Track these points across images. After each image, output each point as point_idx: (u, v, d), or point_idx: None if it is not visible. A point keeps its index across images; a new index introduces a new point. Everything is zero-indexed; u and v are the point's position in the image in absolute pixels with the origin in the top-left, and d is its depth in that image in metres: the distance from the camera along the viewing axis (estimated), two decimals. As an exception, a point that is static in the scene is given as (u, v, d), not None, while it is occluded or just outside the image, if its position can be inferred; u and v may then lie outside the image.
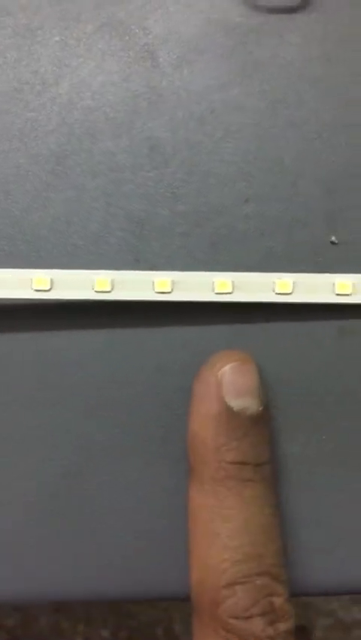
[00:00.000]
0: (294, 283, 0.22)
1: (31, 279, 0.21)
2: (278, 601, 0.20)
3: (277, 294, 0.22)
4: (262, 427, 0.21)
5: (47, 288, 0.21)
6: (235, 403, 0.21)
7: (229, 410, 0.20)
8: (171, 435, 0.22)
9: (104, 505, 0.22)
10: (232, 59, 0.23)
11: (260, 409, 0.21)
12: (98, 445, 0.23)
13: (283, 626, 0.20)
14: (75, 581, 0.22)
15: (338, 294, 0.22)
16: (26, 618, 1.13)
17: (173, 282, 0.22)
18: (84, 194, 0.23)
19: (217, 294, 0.22)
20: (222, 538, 0.20)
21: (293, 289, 0.22)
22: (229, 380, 0.21)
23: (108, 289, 0.21)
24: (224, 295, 0.22)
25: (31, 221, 0.23)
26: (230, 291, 0.22)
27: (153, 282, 0.22)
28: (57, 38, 0.23)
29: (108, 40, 0.23)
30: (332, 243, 0.23)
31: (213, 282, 0.22)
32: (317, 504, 0.23)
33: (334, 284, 0.22)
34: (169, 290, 0.22)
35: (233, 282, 0.22)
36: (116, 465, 0.23)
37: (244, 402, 0.21)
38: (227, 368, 0.21)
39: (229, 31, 0.23)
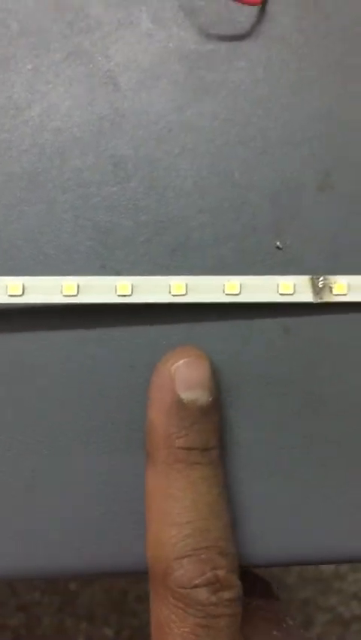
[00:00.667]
0: (241, 285, 0.24)
1: (6, 286, 0.24)
2: (222, 572, 0.22)
3: (226, 294, 0.24)
4: (211, 415, 0.23)
5: (20, 293, 0.24)
6: (186, 395, 0.23)
7: (179, 401, 0.23)
8: (134, 424, 0.25)
9: (76, 485, 0.25)
10: (186, 83, 0.26)
11: (210, 399, 0.23)
12: (69, 434, 0.25)
13: (226, 595, 0.22)
14: (43, 557, 0.25)
15: (281, 294, 0.24)
16: (30, 618, 1.13)
17: (133, 286, 0.24)
18: (55, 208, 0.25)
19: (173, 295, 0.24)
20: (172, 515, 0.22)
21: (241, 290, 0.24)
22: (181, 374, 0.23)
23: (75, 293, 0.24)
24: (179, 297, 0.24)
25: (6, 232, 0.25)
26: (184, 293, 0.24)
27: (116, 286, 0.24)
28: (29, 66, 0.26)
29: (75, 67, 0.26)
30: (277, 247, 0.25)
31: (169, 285, 0.24)
32: (266, 484, 0.25)
33: (278, 285, 0.24)
34: (129, 293, 0.24)
35: (187, 284, 0.24)
36: (84, 452, 0.25)
37: (194, 394, 0.23)
38: (180, 363, 0.23)
39: (183, 57, 0.26)
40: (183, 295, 0.24)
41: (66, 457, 0.25)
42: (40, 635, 1.13)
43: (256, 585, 0.28)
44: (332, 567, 1.20)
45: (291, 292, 0.24)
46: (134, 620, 1.18)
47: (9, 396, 0.25)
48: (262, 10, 0.26)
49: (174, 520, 0.22)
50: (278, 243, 0.25)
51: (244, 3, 0.25)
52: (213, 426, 0.23)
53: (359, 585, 1.17)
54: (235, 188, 0.25)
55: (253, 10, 0.26)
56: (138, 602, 1.20)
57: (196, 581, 0.21)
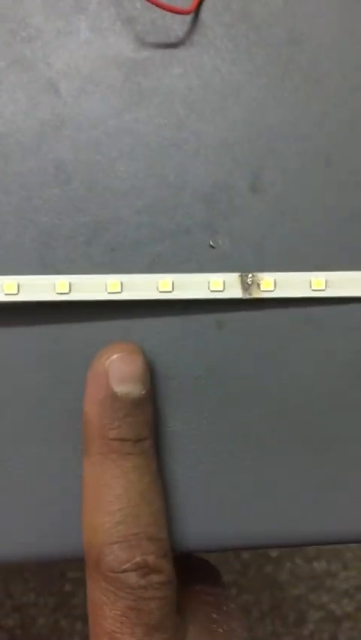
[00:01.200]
0: (173, 282, 0.25)
1: None
2: (151, 557, 0.23)
3: (160, 292, 0.25)
4: (143, 408, 0.24)
5: None
6: (119, 389, 0.24)
7: (113, 394, 0.24)
8: (73, 417, 0.26)
9: (20, 476, 0.26)
10: (123, 89, 0.27)
11: (142, 392, 0.24)
12: (15, 429, 0.26)
13: (155, 578, 0.23)
14: None
15: (212, 291, 0.25)
16: (25, 619, 1.14)
17: (71, 284, 0.25)
18: (0, 207, 0.26)
19: (109, 293, 0.25)
20: (105, 503, 0.23)
21: (173, 287, 0.25)
22: (114, 368, 0.24)
23: (15, 292, 0.25)
24: (115, 294, 0.25)
25: None
26: (120, 290, 0.25)
27: (55, 285, 0.25)
28: (-27, 75, 0.27)
29: (17, 74, 0.27)
30: (210, 246, 0.26)
31: (106, 284, 0.25)
32: (198, 472, 0.26)
33: (209, 282, 0.25)
34: (67, 291, 0.25)
35: (122, 282, 0.25)
36: (27, 444, 0.26)
37: (127, 387, 0.24)
38: (114, 357, 0.24)
39: (120, 65, 0.27)
40: (119, 293, 0.25)
41: (11, 446, 0.26)
42: (36, 635, 1.14)
43: (198, 570, 0.29)
44: (323, 565, 1.20)
45: (221, 289, 0.25)
46: None
47: None
48: (195, 18, 0.27)
49: (107, 508, 0.23)
50: (211, 242, 0.26)
51: (176, 12, 0.26)
52: (146, 418, 0.24)
53: (350, 582, 1.18)
54: (170, 190, 0.26)
55: (186, 19, 0.27)
56: None
57: (125, 566, 0.23)
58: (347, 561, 1.20)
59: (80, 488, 0.24)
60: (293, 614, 1.19)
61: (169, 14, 0.26)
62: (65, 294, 0.25)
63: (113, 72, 0.27)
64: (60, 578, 1.17)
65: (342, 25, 0.27)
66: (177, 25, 0.27)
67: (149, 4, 0.26)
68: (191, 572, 0.28)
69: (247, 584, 1.20)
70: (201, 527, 0.25)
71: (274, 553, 1.18)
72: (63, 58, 0.27)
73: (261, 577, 1.20)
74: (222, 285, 0.25)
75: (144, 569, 0.23)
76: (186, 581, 0.27)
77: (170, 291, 0.25)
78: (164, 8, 0.26)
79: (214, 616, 0.26)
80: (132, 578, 0.23)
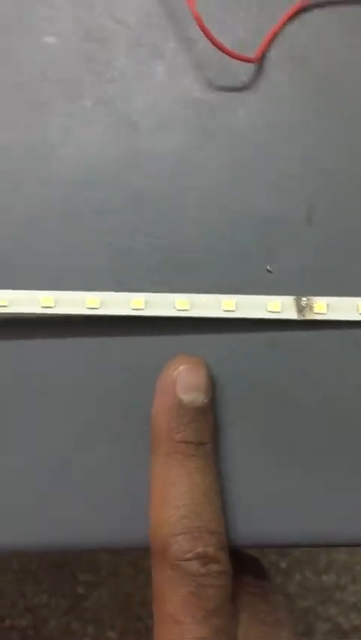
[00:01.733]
0: (236, 302, 0.28)
1: (39, 299, 0.28)
2: (211, 549, 0.26)
3: (224, 311, 0.28)
4: (206, 415, 0.27)
5: (52, 305, 0.28)
6: (185, 397, 0.27)
7: (179, 402, 0.27)
8: (142, 421, 0.29)
9: (95, 473, 0.29)
10: (193, 128, 0.30)
11: (205, 401, 0.27)
12: (93, 429, 0.29)
13: (214, 567, 0.26)
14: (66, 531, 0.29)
15: (269, 312, 0.28)
16: (37, 620, 1.16)
17: (145, 302, 0.28)
18: (82, 232, 0.29)
19: (178, 310, 0.28)
20: (171, 499, 0.26)
21: (236, 307, 0.28)
22: (181, 378, 0.27)
23: (97, 306, 0.28)
24: (183, 312, 0.28)
25: (41, 251, 0.29)
26: (188, 308, 0.28)
27: (130, 301, 0.28)
28: (63, 111, 0.30)
29: (101, 112, 0.30)
30: (268, 271, 0.29)
31: (175, 302, 0.28)
32: (253, 475, 0.29)
33: (267, 303, 0.28)
34: (142, 307, 0.28)
35: (190, 301, 0.28)
36: (100, 444, 0.29)
37: (192, 396, 0.27)
38: (181, 369, 0.27)
39: (192, 105, 0.30)
40: (187, 310, 0.28)
41: (89, 450, 0.29)
42: (47, 636, 1.16)
43: (247, 565, 0.31)
44: (333, 578, 1.21)
45: (278, 310, 0.28)
46: (139, 624, 1.19)
47: (49, 393, 0.29)
48: (260, 66, 0.30)
49: (173, 503, 0.26)
50: (269, 267, 0.29)
51: (243, 60, 0.29)
52: (208, 424, 0.27)
53: (358, 596, 1.18)
54: (233, 219, 0.30)
55: (252, 66, 0.30)
56: (143, 606, 1.23)
57: (188, 555, 0.25)
58: (356, 575, 1.21)
59: (148, 485, 0.27)
60: (302, 625, 1.20)
61: (235, 61, 0.29)
62: (139, 309, 0.28)
63: (185, 112, 0.30)
64: (72, 581, 1.19)
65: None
66: (243, 71, 0.30)
67: (219, 51, 0.29)
68: (240, 565, 0.31)
69: None
70: (251, 525, 0.28)
71: (283, 564, 1.20)
72: (142, 98, 0.30)
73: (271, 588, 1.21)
74: (279, 306, 0.28)
75: (204, 558, 0.25)
76: (236, 574, 0.30)
77: (233, 310, 0.28)
78: (232, 56, 0.29)
79: (262, 606, 0.28)
80: (194, 566, 0.25)
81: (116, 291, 0.29)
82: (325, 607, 1.22)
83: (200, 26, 0.28)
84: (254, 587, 0.29)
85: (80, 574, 1.21)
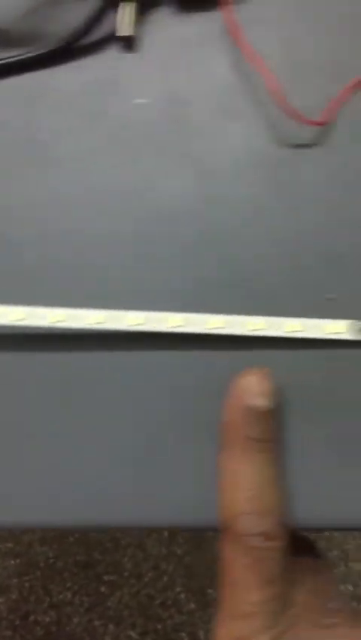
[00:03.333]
0: (302, 324, 0.34)
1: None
2: (273, 527, 0.30)
3: (285, 332, 0.34)
4: (271, 417, 0.32)
5: (143, 322, 0.34)
6: (256, 402, 0.32)
7: (251, 405, 0.32)
8: (213, 422, 0.33)
9: (170, 464, 0.34)
10: (264, 179, 0.35)
11: (272, 406, 0.32)
12: (172, 428, 0.34)
13: (273, 544, 0.30)
14: (143, 508, 0.33)
15: (327, 333, 0.34)
16: (61, 616, 1.21)
17: (226, 321, 0.34)
18: (163, 262, 0.35)
19: (251, 330, 0.34)
20: (239, 484, 0.31)
21: (301, 328, 0.34)
22: (253, 386, 0.32)
23: (182, 324, 0.34)
24: (256, 331, 0.34)
25: (140, 277, 0.35)
26: (263, 328, 0.34)
27: (207, 321, 0.34)
28: (152, 164, 0.36)
29: (185, 163, 0.36)
30: (328, 299, 0.35)
31: (247, 322, 0.34)
32: (311, 468, 0.33)
33: (326, 326, 0.34)
34: (223, 326, 0.34)
35: (264, 321, 0.34)
36: (177, 442, 0.34)
37: (260, 401, 0.32)
38: (252, 377, 0.32)
39: (263, 160, 0.35)
40: (260, 330, 0.34)
41: (163, 445, 0.34)
42: (70, 633, 1.21)
43: (305, 545, 0.36)
44: (350, 587, 1.23)
45: (335, 332, 0.34)
46: (159, 625, 1.23)
47: (129, 398, 0.34)
48: (326, 129, 0.35)
49: (241, 487, 0.31)
50: (328, 295, 0.35)
51: (311, 124, 0.35)
52: (273, 425, 0.32)
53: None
54: (299, 256, 0.35)
55: (319, 129, 0.35)
56: (163, 608, 1.25)
57: (253, 531, 0.30)
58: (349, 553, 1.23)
59: (216, 474, 0.32)
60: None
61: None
62: (220, 328, 0.33)
63: (258, 166, 0.35)
64: (96, 580, 1.23)
65: None
66: (310, 132, 0.35)
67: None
68: (299, 546, 0.36)
69: None
70: (309, 509, 0.33)
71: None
72: (220, 152, 0.35)
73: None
74: (336, 329, 0.34)
75: (265, 535, 0.30)
76: (294, 552, 0.35)
77: (300, 330, 0.33)
78: (303, 121, 0.35)
79: (318, 580, 0.32)
80: (256, 540, 0.30)
81: (197, 312, 0.34)
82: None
83: (274, 97, 0.33)
84: (312, 564, 0.34)
85: (104, 574, 1.24)
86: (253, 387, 0.32)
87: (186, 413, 0.34)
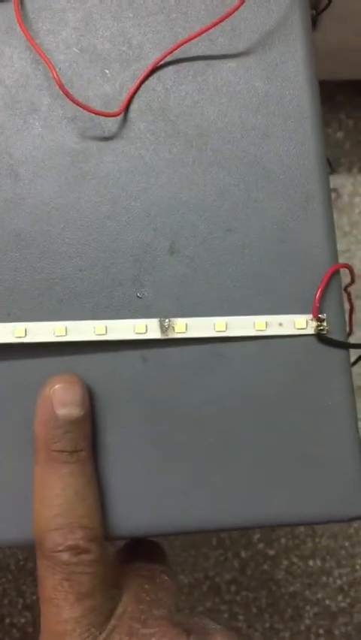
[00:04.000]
0: (107, 327, 0.32)
1: None
2: (82, 541, 0.29)
3: (97, 334, 0.32)
4: (81, 425, 0.31)
5: None
6: (60, 411, 0.30)
7: (55, 416, 0.30)
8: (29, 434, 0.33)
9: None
10: (68, 173, 0.34)
11: (81, 414, 0.31)
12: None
13: (85, 557, 0.29)
14: None
15: (137, 333, 0.32)
16: (36, 617, 1.20)
17: (26, 330, 0.32)
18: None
19: (57, 336, 0.32)
20: (46, 500, 0.30)
21: (107, 331, 0.32)
22: (56, 395, 0.31)
23: (-16, 336, 0.32)
24: (61, 337, 0.32)
25: None
26: (64, 334, 0.32)
27: (13, 330, 0.32)
28: None
29: (-14, 163, 0.34)
30: (138, 297, 0.33)
31: (54, 328, 0.32)
32: (127, 474, 0.33)
33: (135, 325, 0.33)
34: (24, 335, 0.32)
35: (66, 327, 0.32)
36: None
37: (67, 410, 0.30)
38: (57, 387, 0.31)
39: (66, 154, 0.34)
40: (64, 336, 0.32)
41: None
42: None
43: (143, 550, 0.35)
44: (318, 562, 1.24)
45: (144, 331, 0.32)
46: None
47: None
48: (124, 117, 0.34)
49: (47, 503, 0.30)
50: (138, 294, 0.33)
51: (107, 116, 0.33)
52: (83, 433, 0.31)
53: (343, 579, 1.21)
54: (106, 252, 0.33)
55: (117, 118, 0.34)
56: None
57: (60, 547, 0.29)
58: (341, 559, 1.23)
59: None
60: (290, 610, 1.23)
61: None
62: (21, 337, 0.32)
63: (61, 160, 0.34)
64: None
65: (238, 122, 0.34)
66: (110, 123, 0.34)
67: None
68: (136, 552, 0.35)
69: (245, 581, 1.24)
70: (132, 517, 0.32)
71: (271, 552, 1.23)
72: (21, 149, 0.34)
73: (259, 575, 1.24)
74: (145, 328, 0.32)
75: (75, 549, 0.29)
76: (130, 559, 0.34)
77: (104, 334, 0.32)
78: (98, 113, 0.33)
79: (146, 586, 0.32)
80: (65, 556, 0.29)
81: (3, 322, 0.33)
82: (312, 591, 1.25)
83: (62, 89, 0.32)
84: (143, 570, 0.33)
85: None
86: (58, 396, 0.31)
87: (3, 427, 0.33)
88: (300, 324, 0.32)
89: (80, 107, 0.32)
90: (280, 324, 0.32)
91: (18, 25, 0.33)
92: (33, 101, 0.34)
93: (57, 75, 0.32)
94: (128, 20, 0.34)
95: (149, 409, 0.33)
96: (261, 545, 1.23)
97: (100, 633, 0.29)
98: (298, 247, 0.33)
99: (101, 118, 0.34)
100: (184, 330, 0.32)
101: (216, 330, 0.32)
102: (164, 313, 0.33)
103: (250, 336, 0.32)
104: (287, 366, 0.33)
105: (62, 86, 0.31)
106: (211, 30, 0.33)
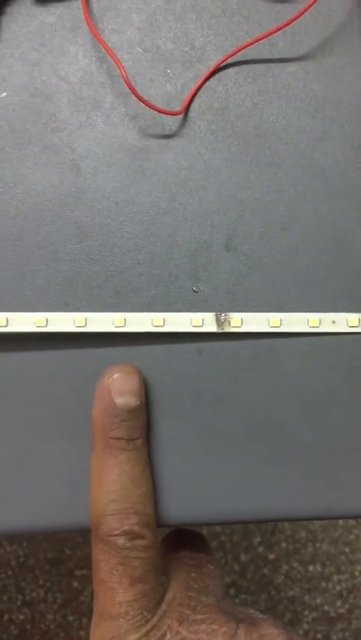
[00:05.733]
0: (164, 319, 0.33)
1: (7, 319, 0.33)
2: (136, 527, 0.30)
3: (154, 326, 0.33)
4: (137, 415, 0.32)
5: (5, 324, 0.33)
6: (118, 400, 0.31)
7: (113, 404, 0.31)
8: (86, 421, 0.33)
9: (45, 465, 0.34)
10: (129, 169, 0.35)
11: (137, 403, 0.32)
12: (42, 429, 0.34)
13: (139, 542, 0.30)
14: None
15: (194, 326, 0.33)
16: (35, 614, 1.21)
17: (87, 319, 0.33)
18: (32, 260, 0.34)
19: (116, 326, 0.33)
20: (103, 485, 0.31)
21: (164, 323, 0.33)
22: (115, 384, 0.32)
23: (44, 325, 0.33)
24: (120, 328, 0.33)
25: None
26: (123, 325, 0.33)
27: (74, 320, 0.33)
28: (15, 156, 0.35)
29: (48, 157, 0.35)
30: (194, 291, 0.34)
31: (113, 319, 0.33)
32: (180, 463, 0.33)
33: (191, 319, 0.33)
34: (84, 325, 0.33)
35: (125, 318, 0.33)
36: (51, 441, 0.34)
37: (125, 399, 0.31)
38: (115, 376, 0.32)
39: (127, 150, 0.35)
40: (123, 326, 0.33)
41: (38, 443, 0.34)
42: (45, 630, 1.21)
43: (188, 540, 0.36)
44: (318, 568, 1.25)
45: (201, 325, 0.33)
46: None
47: (11, 401, 0.34)
48: (185, 116, 0.35)
49: (104, 489, 0.31)
50: (194, 288, 0.34)
51: (169, 114, 0.34)
52: (139, 422, 0.32)
53: (343, 585, 1.21)
54: (163, 247, 0.34)
55: (178, 117, 0.35)
56: None
57: (116, 532, 0.30)
58: (341, 565, 1.24)
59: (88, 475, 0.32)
60: (289, 614, 1.23)
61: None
62: (81, 327, 0.33)
63: (122, 156, 0.35)
64: (68, 576, 1.23)
65: (296, 124, 0.35)
66: (171, 121, 0.35)
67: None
68: (181, 541, 0.35)
69: (245, 585, 1.24)
70: (182, 505, 0.33)
71: (271, 556, 1.23)
72: (83, 144, 0.35)
73: (258, 578, 1.25)
74: (201, 321, 0.33)
75: (130, 534, 0.30)
76: (176, 548, 0.35)
77: (162, 326, 0.33)
78: (160, 111, 0.34)
79: (193, 574, 0.32)
80: (121, 540, 0.30)
81: (62, 311, 0.33)
82: (311, 596, 1.25)
83: (129, 87, 0.33)
84: (189, 559, 0.34)
85: (75, 569, 1.24)
86: (117, 385, 0.31)
87: (61, 414, 0.34)
88: (353, 322, 0.33)
89: (145, 104, 0.33)
90: (333, 322, 0.33)
91: (86, 23, 0.34)
92: (96, 98, 0.35)
93: (125, 73, 0.32)
94: (191, 22, 0.35)
95: (201, 400, 0.34)
96: (261, 549, 1.24)
97: (152, 617, 0.30)
98: (352, 247, 0.34)
99: (162, 116, 0.34)
100: (239, 325, 0.33)
101: (271, 325, 0.33)
102: (218, 308, 0.34)
103: (303, 333, 0.33)
104: (339, 363, 0.34)
105: (129, 83, 0.32)
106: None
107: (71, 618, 1.23)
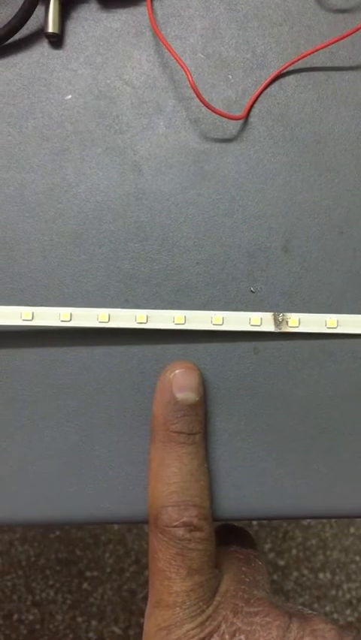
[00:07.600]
0: (223, 318, 0.34)
1: (59, 314, 0.34)
2: (195, 519, 0.31)
3: (213, 324, 0.34)
4: (197, 410, 0.32)
5: (68, 319, 0.34)
6: (179, 395, 0.32)
7: (175, 399, 0.32)
8: (144, 415, 0.35)
9: (104, 456, 0.35)
10: (190, 172, 0.36)
11: (196, 399, 0.32)
12: (102, 422, 0.35)
13: (197, 534, 0.31)
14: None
15: (252, 325, 0.34)
16: (44, 614, 1.21)
17: (148, 316, 0.34)
18: (93, 258, 0.35)
19: (176, 324, 0.34)
20: (163, 477, 0.32)
21: (223, 322, 0.34)
22: (176, 380, 0.32)
23: (106, 320, 0.34)
24: (180, 325, 0.34)
25: (58, 275, 0.35)
26: (183, 322, 0.34)
27: (135, 316, 0.34)
28: (78, 156, 0.36)
29: (111, 158, 0.36)
30: (251, 291, 0.35)
31: (173, 317, 0.34)
32: (235, 459, 0.34)
33: (250, 318, 0.34)
34: (145, 321, 0.34)
35: (185, 316, 0.34)
36: (110, 433, 0.35)
37: (186, 394, 0.32)
38: (177, 372, 0.33)
39: (188, 153, 0.36)
40: (183, 324, 0.34)
41: (103, 435, 0.34)
42: (53, 630, 1.21)
43: (236, 535, 0.37)
44: (328, 576, 1.25)
45: (259, 324, 0.34)
46: (142, 619, 1.23)
47: (72, 393, 0.35)
48: (245, 122, 0.36)
49: (165, 481, 0.31)
50: (252, 288, 0.35)
51: (231, 118, 0.35)
52: (198, 417, 0.33)
53: (353, 593, 1.21)
54: (222, 248, 0.35)
55: (239, 122, 0.36)
56: (146, 602, 1.25)
57: (176, 523, 0.31)
58: (351, 573, 1.24)
59: (147, 467, 0.33)
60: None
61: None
62: (142, 323, 0.34)
63: (182, 158, 0.36)
64: (78, 577, 1.23)
65: (354, 130, 0.36)
66: (232, 125, 0.36)
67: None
68: (230, 536, 0.36)
69: None
70: (237, 500, 0.34)
71: (281, 562, 1.23)
72: (145, 146, 0.36)
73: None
74: (259, 321, 0.34)
75: (189, 526, 0.31)
76: (225, 543, 0.35)
77: (221, 324, 0.34)
78: (222, 115, 0.35)
79: (243, 569, 0.33)
80: (180, 532, 0.31)
81: (123, 307, 0.34)
82: (320, 604, 1.25)
83: (194, 91, 0.34)
84: (239, 554, 0.34)
85: (86, 570, 1.25)
86: (178, 381, 0.32)
87: (119, 408, 0.34)
88: None
89: (209, 108, 0.34)
90: (389, 324, 0.34)
91: (153, 29, 0.35)
92: (159, 102, 0.36)
93: (191, 77, 0.33)
94: (253, 30, 0.36)
95: (257, 398, 0.34)
96: (272, 555, 1.24)
97: (207, 607, 0.30)
98: None
99: (223, 121, 0.35)
100: (297, 325, 0.34)
101: (328, 326, 0.34)
102: (275, 308, 0.34)
103: (358, 334, 0.34)
104: (393, 364, 0.34)
105: (194, 87, 0.33)
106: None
107: (79, 620, 1.24)
